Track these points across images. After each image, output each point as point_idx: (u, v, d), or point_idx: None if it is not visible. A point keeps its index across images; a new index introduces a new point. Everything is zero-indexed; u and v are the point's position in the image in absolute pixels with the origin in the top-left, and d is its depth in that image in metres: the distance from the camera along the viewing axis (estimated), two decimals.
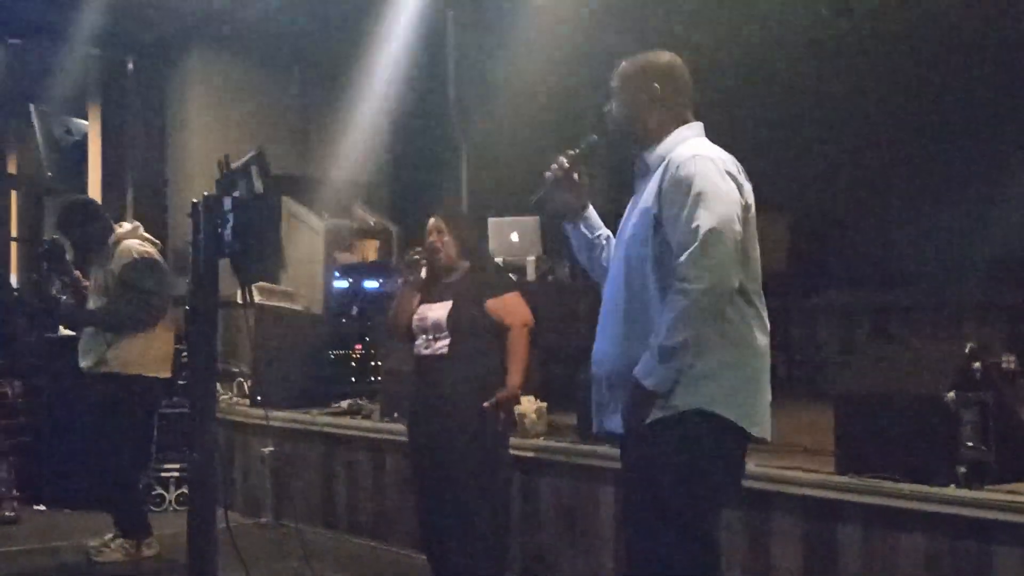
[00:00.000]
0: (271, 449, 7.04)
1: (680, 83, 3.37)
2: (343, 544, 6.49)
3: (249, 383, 7.66)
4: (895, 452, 4.17)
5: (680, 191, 3.11)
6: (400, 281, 5.16)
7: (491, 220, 7.63)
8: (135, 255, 5.95)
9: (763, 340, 3.22)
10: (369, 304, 8.29)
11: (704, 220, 3.04)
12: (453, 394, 4.76)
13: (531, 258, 7.60)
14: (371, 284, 8.51)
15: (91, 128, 11.45)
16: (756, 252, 3.24)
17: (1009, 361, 7.11)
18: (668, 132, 3.32)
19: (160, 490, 7.33)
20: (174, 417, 7.21)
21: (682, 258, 3.04)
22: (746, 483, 4.55)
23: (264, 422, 6.74)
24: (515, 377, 4.75)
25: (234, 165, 3.86)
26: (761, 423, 3.22)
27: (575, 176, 3.48)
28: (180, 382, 7.27)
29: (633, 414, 3.15)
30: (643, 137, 3.34)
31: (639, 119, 3.34)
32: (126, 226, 6.22)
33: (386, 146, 10.97)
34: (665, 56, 3.42)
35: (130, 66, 10.94)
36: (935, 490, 4.04)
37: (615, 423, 3.26)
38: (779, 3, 8.44)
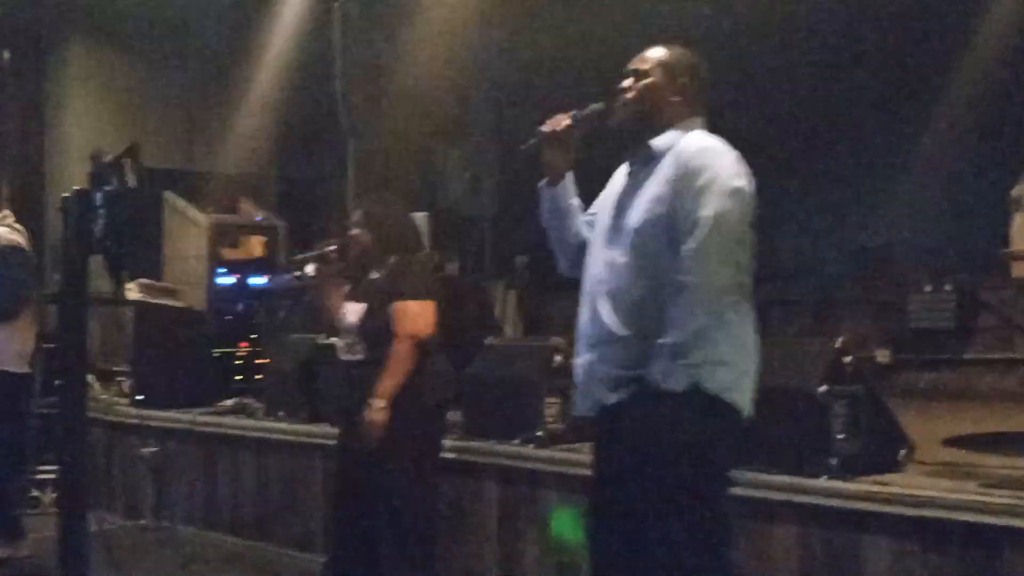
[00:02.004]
0: (152, 450, 6.90)
1: (702, 84, 3.42)
2: (225, 544, 6.39)
3: (129, 382, 7.50)
4: (769, 445, 4.24)
5: (689, 182, 3.13)
6: (298, 275, 5.00)
7: None
8: (2, 243, 5.76)
9: (753, 328, 3.24)
10: (255, 301, 8.19)
11: (715, 212, 3.07)
12: (366, 405, 4.61)
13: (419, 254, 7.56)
14: (257, 281, 8.40)
15: None
16: (754, 245, 3.23)
17: (883, 355, 7.37)
18: (676, 123, 3.33)
19: (36, 492, 7.13)
20: (50, 418, 7.01)
21: (691, 249, 3.07)
22: None
23: (140, 422, 6.59)
24: (381, 387, 4.48)
25: (106, 158, 3.77)
26: (750, 406, 3.25)
27: (570, 139, 3.45)
28: (56, 382, 7.09)
29: (649, 408, 3.11)
30: (653, 124, 3.34)
31: (656, 106, 3.34)
32: None
33: (272, 140, 10.85)
34: (694, 54, 3.47)
35: (5, 56, 10.61)
36: (808, 482, 4.13)
37: (610, 397, 3.22)
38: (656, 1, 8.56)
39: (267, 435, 6.36)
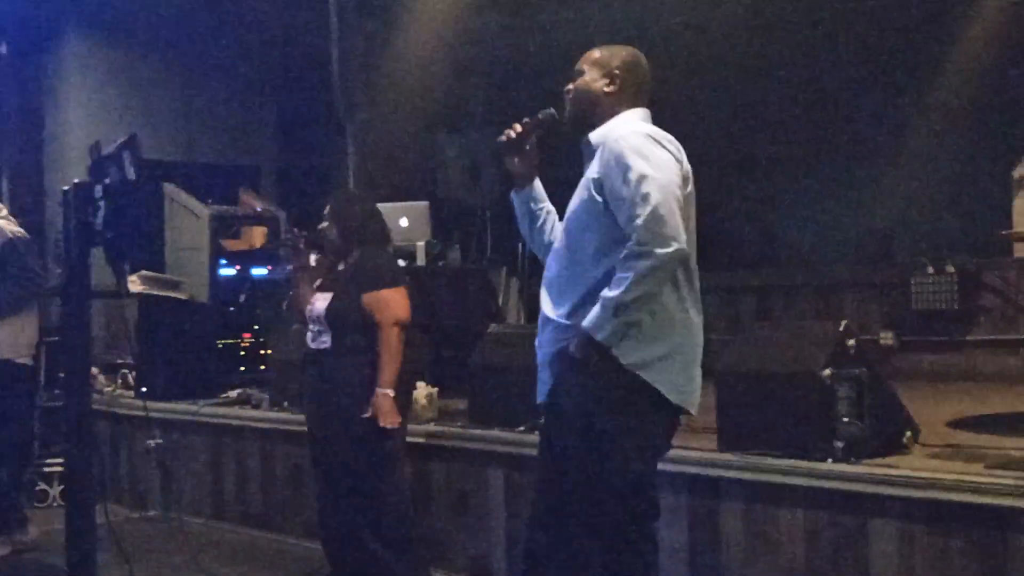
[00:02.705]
0: (158, 441, 6.90)
1: (640, 77, 3.53)
2: (232, 535, 6.41)
3: (134, 374, 7.50)
4: (774, 429, 4.26)
5: (621, 160, 3.25)
6: (289, 266, 5.08)
7: (379, 206, 7.57)
8: (9, 234, 5.78)
9: (698, 318, 3.38)
10: (257, 292, 8.17)
11: (650, 186, 3.18)
12: (335, 390, 4.70)
13: (421, 243, 7.56)
14: (259, 271, 8.36)
15: None
16: (693, 225, 3.39)
17: (887, 337, 7.37)
18: (614, 116, 3.47)
19: (44, 485, 7.15)
20: (56, 411, 7.03)
21: (636, 222, 3.17)
22: None
23: (146, 414, 6.59)
24: (383, 377, 4.60)
25: (105, 151, 3.76)
26: (692, 396, 3.37)
27: (526, 146, 3.58)
28: (60, 375, 7.10)
29: (576, 357, 3.25)
30: (595, 120, 3.49)
31: (595, 103, 3.49)
32: None
33: (272, 131, 10.85)
34: (631, 51, 3.58)
35: (4, 50, 10.58)
36: (813, 465, 4.14)
37: (548, 383, 3.41)
38: None
39: (272, 425, 6.37)
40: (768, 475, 4.23)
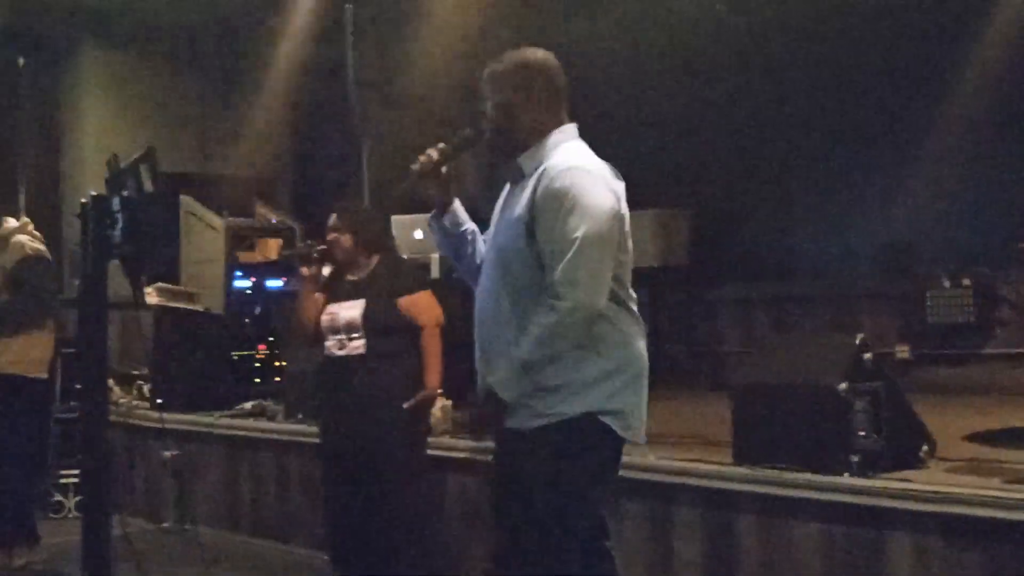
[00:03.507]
0: (173, 453, 6.91)
1: (556, 82, 3.30)
2: (247, 547, 6.42)
3: (149, 386, 7.52)
4: (791, 442, 4.25)
5: (555, 203, 3.07)
6: (297, 277, 5.07)
7: (394, 218, 7.58)
8: (29, 251, 5.80)
9: (641, 343, 3.25)
10: (272, 304, 8.19)
11: (577, 237, 3.02)
12: (371, 396, 4.68)
13: (435, 255, 7.55)
14: (274, 283, 8.39)
15: None
16: (629, 256, 3.24)
17: (902, 351, 7.34)
18: (544, 135, 3.24)
19: (59, 497, 7.17)
20: (71, 422, 7.06)
21: (555, 274, 3.03)
22: (648, 476, 4.65)
23: (161, 425, 6.62)
24: (432, 378, 4.70)
25: (123, 164, 3.78)
26: (636, 427, 3.25)
27: (443, 170, 3.37)
28: (77, 386, 7.12)
29: (494, 423, 3.19)
30: (519, 140, 3.26)
31: (515, 121, 3.25)
32: (13, 222, 6.01)
33: (287, 142, 10.86)
34: (539, 53, 3.35)
35: (21, 62, 10.66)
36: (829, 479, 4.12)
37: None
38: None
39: (287, 437, 6.38)
40: (784, 489, 4.22)
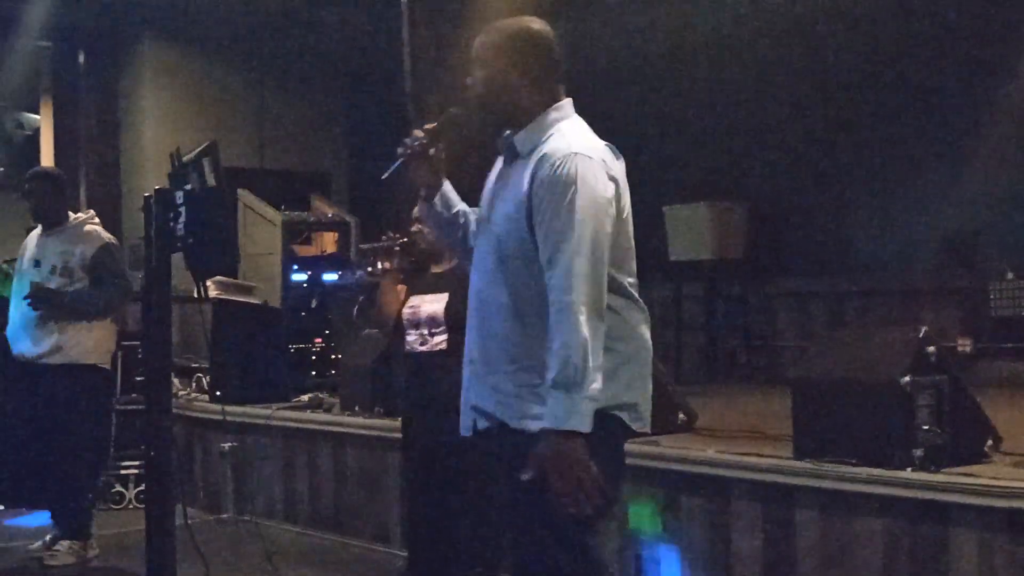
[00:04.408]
0: (231, 444, 6.99)
1: (553, 55, 3.07)
2: (304, 539, 6.47)
3: (208, 378, 7.60)
4: (852, 437, 4.20)
5: (555, 192, 2.88)
6: (371, 271, 4.99)
7: None
8: (106, 239, 5.89)
9: (645, 330, 3.07)
10: (328, 297, 8.24)
11: (577, 232, 2.84)
12: (455, 394, 4.58)
13: None
14: (330, 277, 8.45)
15: (43, 122, 11.32)
16: (631, 243, 3.06)
17: (964, 344, 7.24)
18: (538, 112, 3.02)
19: (119, 488, 7.27)
20: (132, 414, 7.15)
21: (556, 271, 2.85)
22: (705, 470, 4.62)
23: (223, 417, 6.68)
24: None
25: (186, 158, 3.82)
26: (647, 418, 3.08)
27: (431, 152, 3.17)
28: (138, 378, 7.22)
29: (510, 410, 2.97)
30: (511, 116, 3.04)
31: (507, 96, 3.03)
32: (81, 214, 6.10)
33: (343, 137, 10.92)
34: (536, 23, 3.09)
35: (81, 58, 10.80)
36: (892, 474, 4.07)
37: (489, 420, 3.08)
38: None
39: (344, 430, 6.41)
40: (845, 483, 4.17)
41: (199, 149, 3.88)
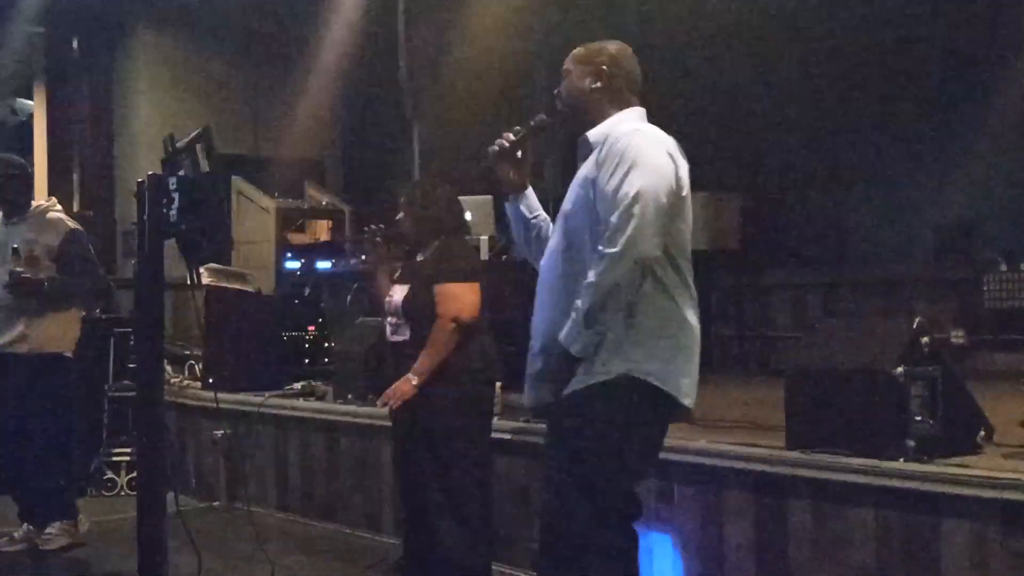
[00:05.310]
0: (223, 432, 6.98)
1: (627, 70, 3.49)
2: (297, 526, 6.47)
3: (200, 366, 7.59)
4: (845, 427, 4.20)
5: (613, 160, 3.23)
6: (364, 259, 5.06)
7: None
8: (72, 226, 5.82)
9: (692, 314, 3.36)
10: (322, 285, 8.24)
11: (631, 188, 3.16)
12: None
13: (484, 237, 7.55)
14: (323, 265, 8.44)
15: (37, 108, 11.28)
16: (688, 227, 3.38)
17: (958, 336, 7.24)
18: (610, 114, 3.44)
19: (111, 474, 7.26)
20: (124, 401, 7.14)
21: (614, 222, 3.15)
22: (698, 460, 4.62)
23: (215, 405, 6.67)
24: (418, 365, 4.57)
25: (179, 144, 3.80)
26: (689, 393, 3.34)
27: (518, 154, 3.55)
28: (130, 365, 7.21)
29: (560, 379, 3.25)
30: (588, 119, 3.46)
31: (585, 101, 3.45)
32: (42, 202, 5.97)
33: (337, 125, 10.89)
34: (616, 45, 3.54)
35: (75, 45, 10.76)
36: (884, 464, 4.07)
37: (547, 392, 3.36)
38: None
39: (336, 417, 6.41)
40: (838, 474, 4.17)
41: (193, 135, 3.86)
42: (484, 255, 7.51)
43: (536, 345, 3.42)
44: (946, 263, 7.78)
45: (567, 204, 3.41)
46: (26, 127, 11.52)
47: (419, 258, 4.84)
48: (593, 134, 3.42)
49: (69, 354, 5.80)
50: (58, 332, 5.74)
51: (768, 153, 8.75)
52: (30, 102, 11.50)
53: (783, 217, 8.84)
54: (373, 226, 5.01)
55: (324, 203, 9.49)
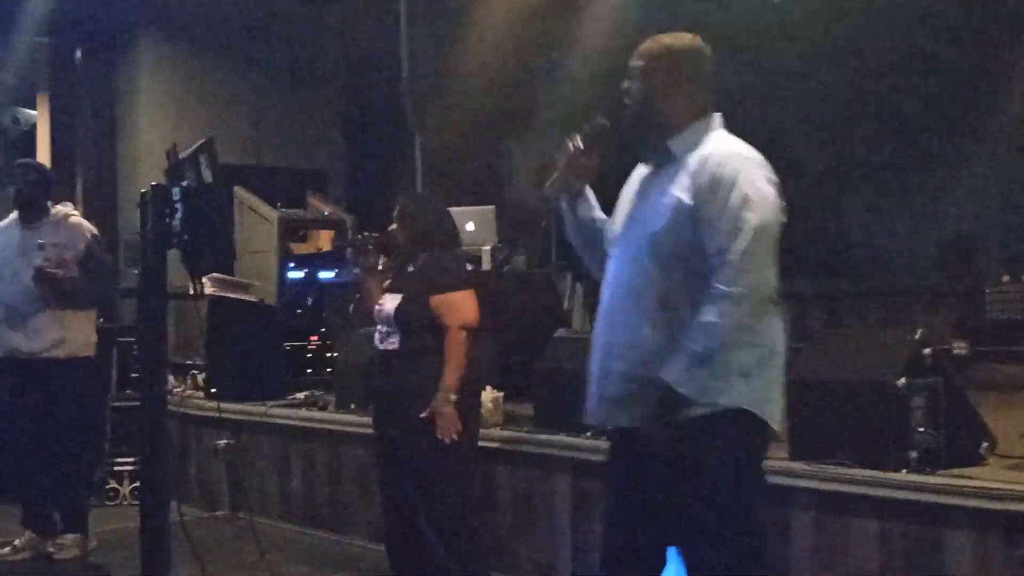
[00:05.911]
0: (226, 442, 6.98)
1: (705, 69, 3.26)
2: (299, 536, 6.46)
3: (203, 375, 7.59)
4: (848, 438, 4.21)
5: (722, 190, 3.03)
6: (356, 268, 5.09)
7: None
8: (94, 231, 5.87)
9: (785, 340, 3.18)
10: (324, 295, 8.24)
11: (747, 225, 2.99)
12: (403, 392, 4.70)
13: (487, 248, 7.58)
14: (326, 275, 8.45)
15: (40, 118, 11.29)
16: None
17: (960, 347, 7.25)
18: (690, 121, 3.20)
19: (114, 484, 7.26)
20: (126, 410, 7.14)
21: (726, 260, 2.98)
22: None
23: (217, 414, 6.67)
24: (446, 380, 4.58)
25: (182, 154, 3.81)
26: (781, 420, 3.22)
27: (584, 160, 3.33)
28: (133, 375, 7.22)
29: (661, 415, 3.05)
30: (663, 124, 3.21)
31: (661, 104, 3.20)
32: (63, 207, 5.97)
33: (340, 135, 10.91)
34: (694, 39, 3.30)
35: (78, 54, 10.78)
36: (887, 475, 4.07)
37: (626, 417, 3.19)
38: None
39: (339, 427, 6.41)
40: (841, 485, 4.17)
41: (196, 146, 3.87)
42: (486, 265, 7.53)
43: (616, 367, 3.20)
44: (948, 274, 7.78)
45: (650, 226, 3.15)
46: (29, 137, 11.53)
47: (410, 269, 4.87)
48: (676, 145, 3.18)
49: (96, 358, 5.88)
50: (90, 336, 5.81)
51: (768, 162, 8.74)
52: (33, 112, 11.52)
53: (785, 228, 8.83)
54: (366, 234, 5.05)
55: (326, 213, 9.50)
